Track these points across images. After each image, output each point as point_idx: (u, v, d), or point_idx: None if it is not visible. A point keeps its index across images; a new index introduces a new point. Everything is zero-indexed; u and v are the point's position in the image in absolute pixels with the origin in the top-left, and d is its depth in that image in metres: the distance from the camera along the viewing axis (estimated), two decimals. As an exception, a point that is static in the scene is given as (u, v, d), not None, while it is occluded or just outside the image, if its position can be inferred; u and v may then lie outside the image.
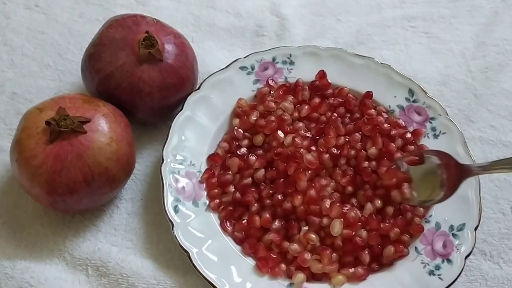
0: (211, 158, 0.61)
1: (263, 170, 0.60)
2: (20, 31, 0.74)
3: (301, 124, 0.63)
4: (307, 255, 0.55)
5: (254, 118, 0.63)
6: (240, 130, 0.63)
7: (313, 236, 0.56)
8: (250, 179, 0.60)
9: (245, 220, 0.58)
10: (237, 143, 0.62)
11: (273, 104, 0.64)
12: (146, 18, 0.63)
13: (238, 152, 0.61)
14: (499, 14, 0.79)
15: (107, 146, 0.54)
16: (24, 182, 0.54)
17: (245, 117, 0.63)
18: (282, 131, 0.61)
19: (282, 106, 0.63)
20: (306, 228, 0.57)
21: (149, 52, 0.59)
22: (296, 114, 0.64)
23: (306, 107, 0.64)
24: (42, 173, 0.52)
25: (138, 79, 0.59)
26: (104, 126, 0.55)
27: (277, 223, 0.57)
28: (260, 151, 0.62)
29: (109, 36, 0.60)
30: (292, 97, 0.65)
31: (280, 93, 0.65)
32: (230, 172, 0.60)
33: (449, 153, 0.60)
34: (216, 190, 0.59)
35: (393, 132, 0.62)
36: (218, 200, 0.59)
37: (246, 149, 0.62)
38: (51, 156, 0.52)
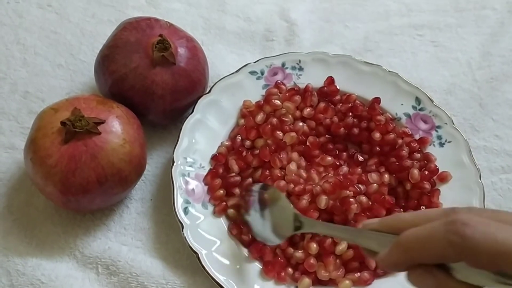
0: (214, 158, 0.62)
1: (261, 171, 0.61)
2: (32, 30, 0.75)
3: (301, 124, 0.64)
4: (313, 260, 0.56)
5: (260, 119, 0.64)
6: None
7: (313, 245, 0.57)
8: (250, 179, 0.61)
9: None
10: (239, 139, 0.63)
11: (279, 102, 0.65)
12: (159, 21, 0.64)
13: (239, 149, 0.62)
14: (505, 25, 0.80)
15: (120, 147, 0.55)
16: (38, 180, 0.55)
17: (251, 117, 0.64)
18: (281, 132, 0.62)
19: (285, 106, 0.64)
20: (309, 235, 0.58)
21: (163, 55, 0.60)
22: (298, 113, 0.65)
23: (309, 108, 0.65)
24: (57, 173, 0.53)
25: (151, 81, 0.60)
26: (117, 128, 0.56)
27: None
28: (257, 151, 0.62)
29: (123, 39, 0.61)
30: (299, 96, 0.66)
31: (287, 95, 0.66)
32: (233, 174, 0.61)
33: (454, 162, 0.62)
34: (221, 191, 0.60)
35: (400, 140, 0.63)
36: (224, 204, 0.60)
37: (247, 146, 0.63)
38: (65, 156, 0.53)
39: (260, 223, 0.56)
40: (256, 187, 0.58)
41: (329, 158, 0.62)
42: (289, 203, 0.56)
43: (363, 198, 0.58)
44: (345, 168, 0.61)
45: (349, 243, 0.57)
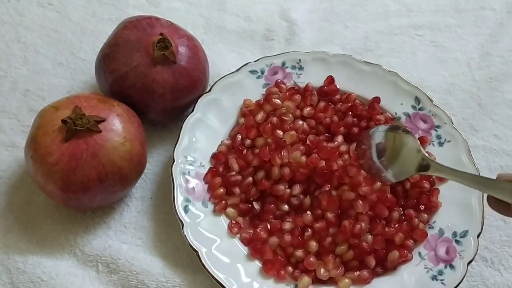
0: (215, 157, 0.63)
1: (263, 172, 0.61)
2: (33, 28, 0.75)
3: (301, 122, 0.64)
4: (313, 259, 0.57)
5: (260, 118, 0.64)
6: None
7: (313, 243, 0.57)
8: (250, 178, 0.61)
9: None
10: (239, 138, 0.64)
11: (279, 101, 0.65)
12: (160, 20, 0.64)
13: (239, 147, 0.62)
14: (504, 25, 0.80)
15: (121, 145, 0.55)
16: (38, 178, 0.55)
17: (251, 116, 0.65)
18: (281, 131, 0.63)
19: (285, 105, 0.65)
20: (308, 234, 0.58)
21: (163, 54, 0.60)
22: (298, 112, 0.65)
23: (309, 107, 0.66)
24: (57, 171, 0.53)
25: (152, 80, 0.60)
26: (118, 126, 0.56)
27: (287, 226, 0.59)
28: (257, 150, 0.62)
29: (124, 37, 0.61)
30: (299, 95, 0.66)
31: (287, 94, 0.66)
32: (233, 172, 0.61)
33: (454, 162, 0.62)
34: (221, 190, 0.60)
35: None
36: (224, 202, 0.60)
37: (247, 144, 0.63)
38: (66, 154, 0.53)
39: (378, 163, 0.56)
40: (379, 135, 0.57)
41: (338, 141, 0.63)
42: (418, 144, 0.55)
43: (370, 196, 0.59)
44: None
45: (480, 191, 0.57)
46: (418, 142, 0.56)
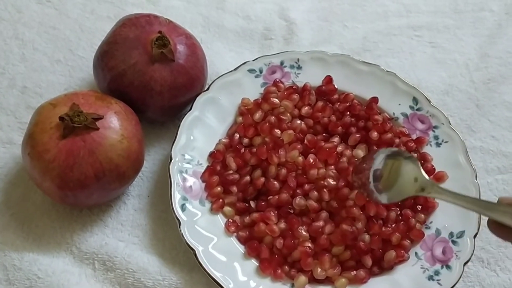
0: (212, 155, 0.63)
1: (260, 171, 0.61)
2: (31, 25, 0.75)
3: (298, 122, 0.64)
4: (310, 259, 0.57)
5: (258, 117, 0.64)
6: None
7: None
8: (248, 177, 0.61)
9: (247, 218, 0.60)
10: (237, 137, 0.64)
11: (277, 101, 0.65)
12: (159, 18, 0.64)
13: (237, 146, 0.62)
14: (502, 27, 0.80)
15: (118, 143, 0.55)
16: (35, 175, 0.55)
17: (249, 115, 0.65)
18: (279, 130, 0.63)
19: (283, 105, 0.65)
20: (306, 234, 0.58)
21: (162, 52, 0.60)
22: (296, 111, 0.65)
23: (307, 107, 0.66)
24: (55, 168, 0.53)
25: (150, 78, 0.60)
26: (116, 124, 0.56)
27: (283, 225, 0.58)
28: (255, 149, 0.62)
29: (122, 35, 0.61)
30: (297, 95, 0.66)
31: (285, 93, 0.66)
32: (231, 171, 0.61)
33: (451, 162, 0.62)
34: (218, 188, 0.60)
35: (397, 140, 0.64)
36: (221, 201, 0.60)
37: (245, 143, 0.64)
38: (64, 151, 0.53)
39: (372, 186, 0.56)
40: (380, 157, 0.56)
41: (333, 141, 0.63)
42: (417, 172, 0.54)
43: None
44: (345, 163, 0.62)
45: (480, 214, 0.57)
46: (418, 169, 0.54)
